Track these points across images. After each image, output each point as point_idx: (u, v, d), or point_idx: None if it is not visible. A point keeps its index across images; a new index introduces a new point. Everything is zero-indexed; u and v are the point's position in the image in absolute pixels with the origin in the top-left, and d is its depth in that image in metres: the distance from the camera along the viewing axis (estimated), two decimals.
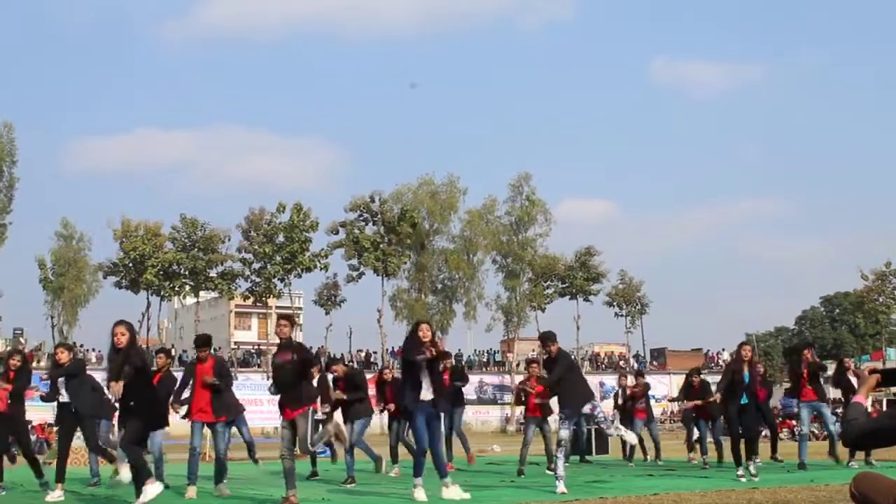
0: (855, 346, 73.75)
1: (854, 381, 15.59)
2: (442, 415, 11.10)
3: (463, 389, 17.14)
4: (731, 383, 13.28)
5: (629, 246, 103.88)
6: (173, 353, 55.81)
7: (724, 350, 66.03)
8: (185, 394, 11.94)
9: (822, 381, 15.49)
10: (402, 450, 15.26)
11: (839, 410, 19.71)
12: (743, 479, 12.26)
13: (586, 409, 11.59)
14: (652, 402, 20.05)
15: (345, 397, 13.73)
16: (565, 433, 11.33)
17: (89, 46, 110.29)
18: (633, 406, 18.10)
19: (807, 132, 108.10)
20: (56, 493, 11.10)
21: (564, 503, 9.63)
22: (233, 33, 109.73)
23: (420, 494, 10.21)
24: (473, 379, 58.90)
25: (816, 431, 28.12)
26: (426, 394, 10.41)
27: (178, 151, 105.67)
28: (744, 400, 13.24)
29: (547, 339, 11.96)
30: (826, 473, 12.96)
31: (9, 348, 53.50)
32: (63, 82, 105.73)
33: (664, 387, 57.41)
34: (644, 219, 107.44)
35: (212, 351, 13.25)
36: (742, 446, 12.94)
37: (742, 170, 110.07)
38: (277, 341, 10.35)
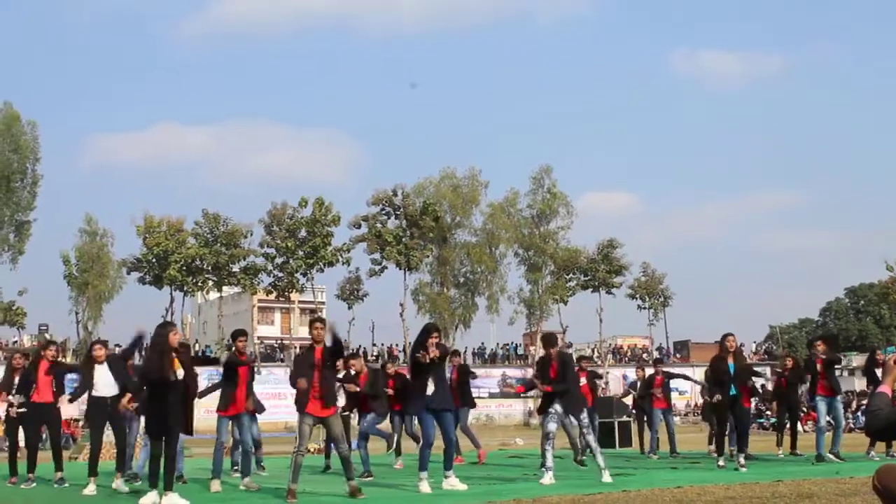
0: (880, 337, 73.16)
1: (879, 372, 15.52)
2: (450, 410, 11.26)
3: (474, 388, 17.23)
4: (717, 375, 13.45)
5: (651, 238, 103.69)
6: (197, 347, 56.35)
7: (753, 342, 66.05)
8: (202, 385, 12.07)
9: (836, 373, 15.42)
10: (406, 444, 15.37)
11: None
12: (723, 467, 12.70)
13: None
14: (675, 394, 20.00)
15: (358, 389, 13.86)
16: (552, 426, 11.61)
17: (108, 44, 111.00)
18: (651, 396, 17.98)
19: (830, 123, 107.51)
20: (90, 487, 11.22)
21: (588, 495, 9.62)
22: (252, 28, 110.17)
23: (425, 487, 10.50)
24: (496, 372, 59.00)
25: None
26: (430, 389, 10.68)
27: (199, 147, 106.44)
28: (731, 391, 13.29)
29: (548, 342, 12.16)
30: (851, 466, 12.89)
31: (36, 342, 53.95)
32: (84, 80, 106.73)
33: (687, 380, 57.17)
34: (666, 211, 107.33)
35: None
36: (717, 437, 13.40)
37: (765, 162, 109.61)
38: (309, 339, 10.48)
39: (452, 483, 10.71)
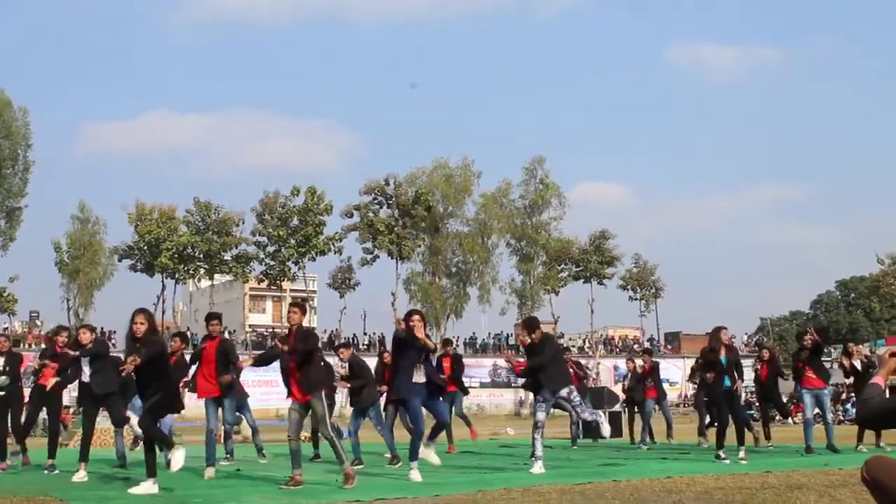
0: (870, 330, 73.45)
1: (858, 365, 15.55)
2: (441, 396, 11.36)
3: (465, 378, 17.50)
4: (709, 368, 13.47)
5: (644, 230, 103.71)
6: (188, 335, 56.25)
7: (745, 334, 66.29)
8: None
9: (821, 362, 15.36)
10: (399, 432, 15.44)
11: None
12: (726, 462, 12.47)
13: (563, 392, 11.74)
14: (666, 385, 20.07)
15: (348, 385, 13.89)
16: (542, 415, 11.62)
17: (102, 30, 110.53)
18: (643, 386, 18.09)
19: (823, 117, 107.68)
20: (80, 474, 11.22)
21: (578, 485, 9.65)
22: (246, 16, 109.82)
23: (416, 475, 10.54)
24: (487, 362, 59.11)
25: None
26: (419, 377, 10.78)
27: (192, 135, 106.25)
28: (726, 383, 13.27)
29: (530, 326, 12.14)
30: (840, 457, 12.95)
31: (26, 328, 53.86)
32: (77, 66, 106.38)
33: (678, 370, 57.37)
34: (659, 203, 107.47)
35: (226, 333, 13.38)
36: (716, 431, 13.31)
37: (759, 154, 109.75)
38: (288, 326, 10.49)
39: (430, 454, 10.93)
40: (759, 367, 16.77)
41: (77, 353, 12.01)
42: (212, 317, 12.29)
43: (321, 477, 11.19)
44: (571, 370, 17.10)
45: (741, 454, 12.90)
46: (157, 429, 9.75)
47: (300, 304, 10.61)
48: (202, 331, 58.80)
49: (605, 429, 11.62)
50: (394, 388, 11.54)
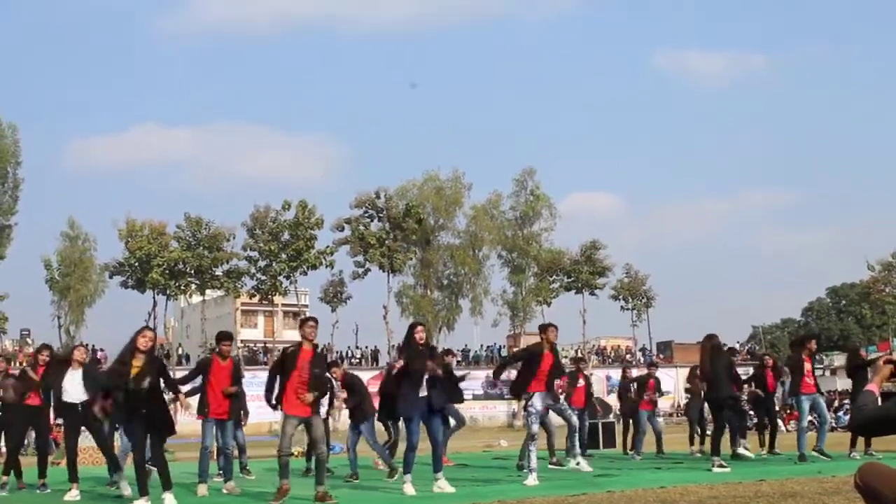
0: (861, 337, 73.58)
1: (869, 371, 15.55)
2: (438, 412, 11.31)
3: (461, 386, 17.43)
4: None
5: (635, 239, 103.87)
6: (180, 351, 56.22)
7: (737, 342, 66.18)
8: (187, 388, 11.82)
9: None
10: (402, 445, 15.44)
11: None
12: (717, 470, 12.48)
13: (549, 401, 12.15)
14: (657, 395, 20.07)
15: (345, 405, 13.94)
16: (536, 427, 11.83)
17: (90, 45, 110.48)
18: (639, 398, 18.07)
19: (812, 122, 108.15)
20: (73, 493, 11.13)
21: (572, 496, 9.65)
22: (234, 29, 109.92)
23: (409, 489, 10.55)
24: (480, 374, 59.05)
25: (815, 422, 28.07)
26: (421, 391, 10.79)
27: (181, 150, 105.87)
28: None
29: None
30: (833, 465, 12.96)
31: (17, 346, 53.64)
32: (65, 82, 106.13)
33: (671, 380, 57.40)
34: (650, 212, 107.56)
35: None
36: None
37: (749, 161, 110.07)
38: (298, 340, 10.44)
39: (441, 486, 10.76)
40: (762, 374, 16.87)
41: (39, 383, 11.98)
42: (223, 336, 11.88)
43: (310, 492, 11.16)
44: (581, 380, 17.34)
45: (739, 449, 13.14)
46: (143, 473, 9.57)
47: (317, 319, 10.69)
48: (194, 347, 58.43)
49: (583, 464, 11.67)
50: (399, 409, 11.50)
